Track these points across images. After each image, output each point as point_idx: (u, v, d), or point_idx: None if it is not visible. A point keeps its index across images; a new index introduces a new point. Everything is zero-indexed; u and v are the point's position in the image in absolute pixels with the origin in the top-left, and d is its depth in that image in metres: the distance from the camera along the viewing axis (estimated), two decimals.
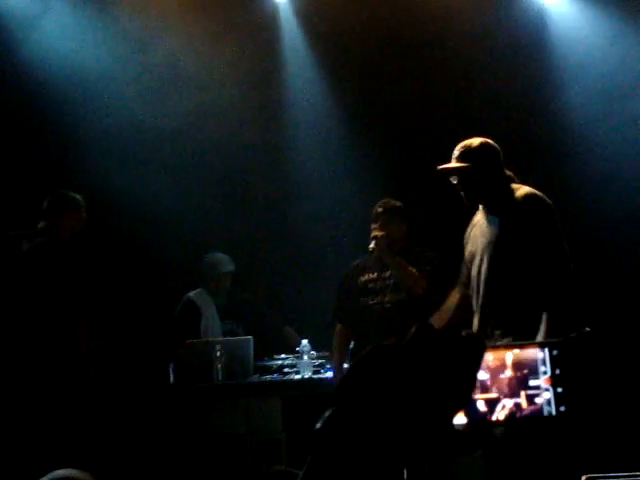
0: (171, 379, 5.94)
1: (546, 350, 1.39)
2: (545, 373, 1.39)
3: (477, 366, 1.09)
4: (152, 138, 7.03)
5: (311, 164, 7.27)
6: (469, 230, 4.67)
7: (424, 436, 1.06)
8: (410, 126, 7.04)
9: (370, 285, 5.79)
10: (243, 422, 5.80)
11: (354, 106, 7.28)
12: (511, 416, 1.37)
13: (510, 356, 1.39)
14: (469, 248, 4.60)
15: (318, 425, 1.08)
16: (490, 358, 1.38)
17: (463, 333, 1.08)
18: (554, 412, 1.38)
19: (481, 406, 1.38)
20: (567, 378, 1.38)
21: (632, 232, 6.56)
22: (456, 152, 4.46)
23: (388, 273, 5.72)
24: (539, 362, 1.39)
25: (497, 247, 4.37)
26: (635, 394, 5.83)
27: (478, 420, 1.39)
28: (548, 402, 1.38)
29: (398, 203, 5.85)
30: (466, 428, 1.27)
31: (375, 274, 5.80)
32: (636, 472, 3.26)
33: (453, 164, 4.44)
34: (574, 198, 6.70)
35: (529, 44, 7.13)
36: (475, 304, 4.49)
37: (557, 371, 1.38)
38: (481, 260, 4.46)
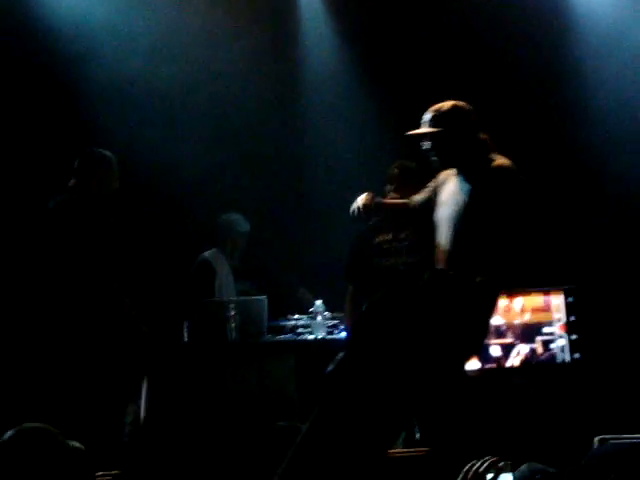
0: (185, 338, 5.95)
1: (561, 297, 1.38)
2: (560, 320, 1.38)
3: (490, 311, 1.08)
4: (163, 95, 6.96)
5: (326, 123, 7.23)
6: (441, 178, 4.54)
7: (435, 380, 1.05)
8: (427, 87, 6.97)
9: (385, 246, 5.78)
10: (256, 382, 5.81)
11: (370, 65, 7.22)
12: (526, 362, 1.36)
13: (526, 302, 1.38)
14: (438, 212, 4.49)
15: (330, 367, 1.07)
16: (505, 304, 1.37)
17: (477, 279, 1.07)
18: (568, 359, 1.37)
19: (496, 351, 1.37)
20: (582, 325, 1.37)
21: None
22: (426, 117, 4.37)
23: (403, 234, 5.71)
24: (554, 309, 1.38)
25: (462, 219, 4.26)
26: None
27: (492, 365, 1.38)
28: (562, 349, 1.37)
29: (413, 164, 5.81)
30: (478, 373, 1.26)
31: (390, 235, 5.78)
32: None
33: (425, 129, 4.35)
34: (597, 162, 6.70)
35: (553, 17, 7.04)
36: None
37: (572, 318, 1.37)
38: (445, 229, 4.37)
